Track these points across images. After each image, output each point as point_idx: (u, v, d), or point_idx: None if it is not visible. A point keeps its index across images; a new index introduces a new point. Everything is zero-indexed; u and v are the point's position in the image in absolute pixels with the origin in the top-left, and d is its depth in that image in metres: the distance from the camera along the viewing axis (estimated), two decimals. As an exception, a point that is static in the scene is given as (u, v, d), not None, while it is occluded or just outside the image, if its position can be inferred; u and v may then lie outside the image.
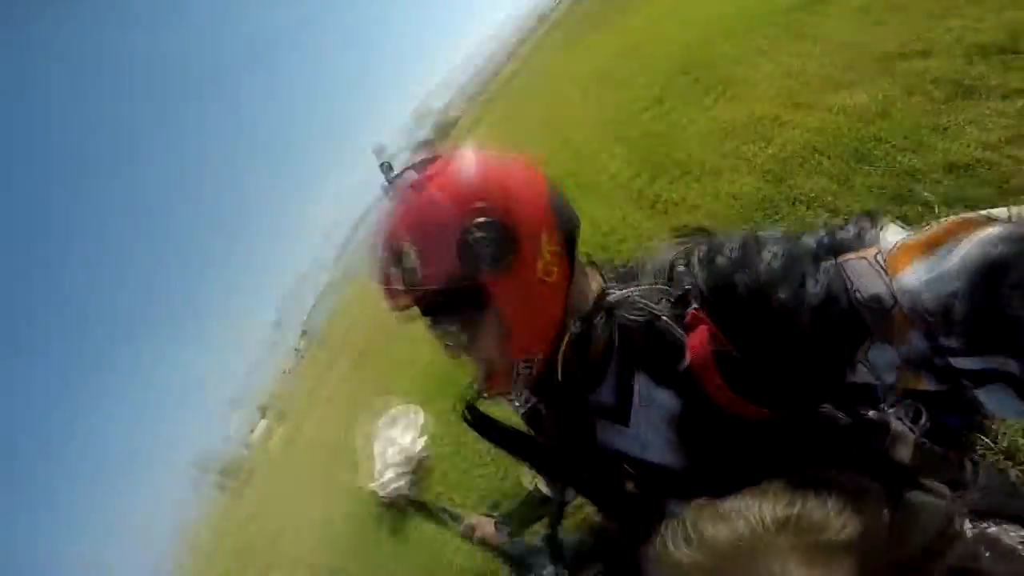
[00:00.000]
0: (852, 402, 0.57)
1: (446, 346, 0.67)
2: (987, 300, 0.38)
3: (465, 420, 0.71)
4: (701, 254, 0.59)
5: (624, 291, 0.63)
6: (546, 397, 0.72)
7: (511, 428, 0.74)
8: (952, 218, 0.42)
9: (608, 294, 0.64)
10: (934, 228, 0.43)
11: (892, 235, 0.47)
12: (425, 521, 2.63)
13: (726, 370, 0.54)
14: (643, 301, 0.61)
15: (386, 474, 3.16)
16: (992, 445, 1.16)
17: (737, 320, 0.54)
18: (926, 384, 0.46)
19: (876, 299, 0.45)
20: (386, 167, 0.64)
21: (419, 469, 3.19)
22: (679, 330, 0.57)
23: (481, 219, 0.56)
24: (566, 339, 0.62)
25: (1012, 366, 0.39)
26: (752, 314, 0.52)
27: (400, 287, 0.60)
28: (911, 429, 0.58)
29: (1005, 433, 1.13)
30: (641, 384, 0.63)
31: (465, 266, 0.56)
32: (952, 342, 0.41)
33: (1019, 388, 0.39)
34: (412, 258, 0.58)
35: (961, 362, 0.41)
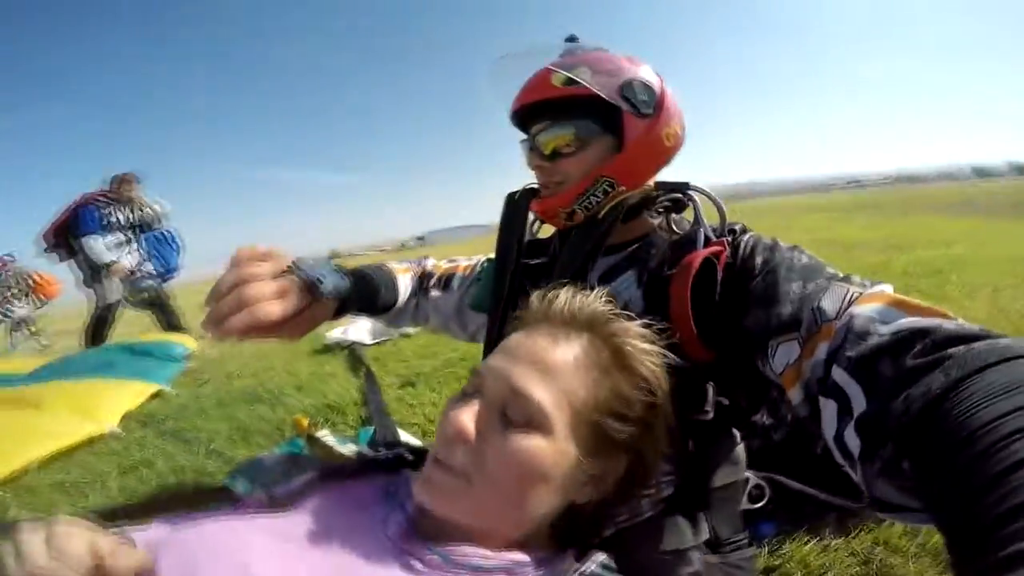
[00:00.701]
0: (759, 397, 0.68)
1: (542, 154, 0.76)
2: (898, 344, 0.41)
3: (512, 201, 0.85)
4: (760, 235, 0.69)
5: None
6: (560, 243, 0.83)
7: (522, 237, 0.85)
8: (943, 309, 0.44)
9: (690, 195, 0.75)
10: (925, 302, 0.45)
11: (883, 286, 0.52)
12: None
13: (699, 285, 0.60)
14: (700, 224, 0.70)
15: (359, 321, 3.36)
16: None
17: (738, 276, 0.63)
18: (792, 391, 0.52)
19: (824, 312, 0.51)
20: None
21: (389, 339, 3.32)
22: (703, 239, 0.67)
23: (643, 79, 0.73)
24: (638, 190, 0.74)
25: (860, 402, 0.41)
26: (751, 275, 0.62)
27: (559, 84, 0.72)
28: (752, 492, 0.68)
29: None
30: (623, 281, 0.73)
31: (620, 94, 0.71)
32: (850, 352, 0.44)
33: (852, 422, 0.41)
34: (585, 72, 0.71)
35: (838, 374, 0.45)
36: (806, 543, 1.00)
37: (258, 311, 0.57)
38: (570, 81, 0.71)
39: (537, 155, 0.77)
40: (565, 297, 0.54)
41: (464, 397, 0.52)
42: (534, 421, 0.47)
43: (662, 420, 0.53)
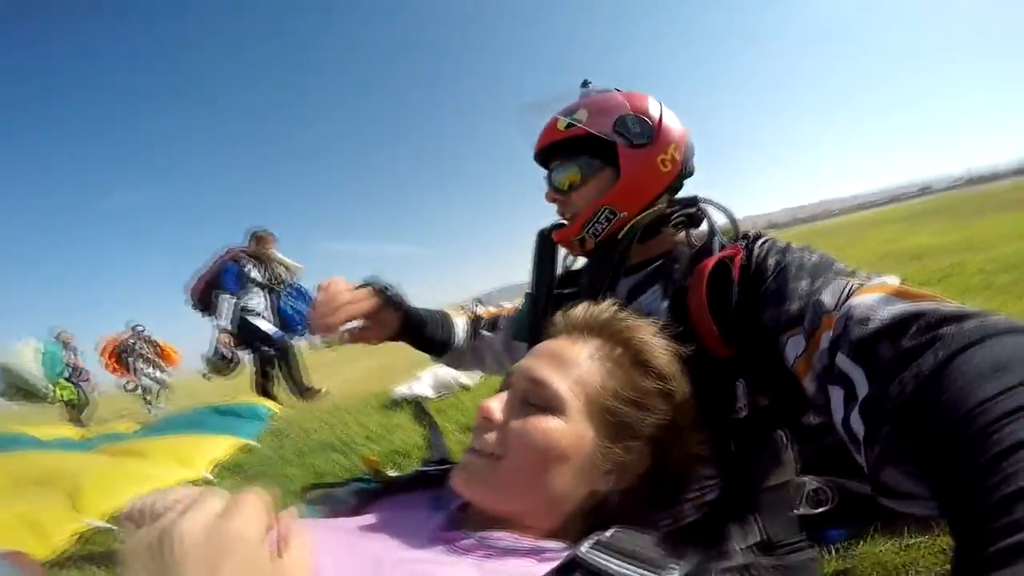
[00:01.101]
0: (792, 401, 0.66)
1: (554, 188, 0.87)
2: (896, 327, 0.42)
3: (541, 236, 0.93)
4: (774, 240, 0.72)
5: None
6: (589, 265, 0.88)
7: (553, 269, 0.93)
8: (938, 294, 0.45)
9: (702, 208, 0.81)
10: (924, 289, 0.46)
11: (887, 277, 0.53)
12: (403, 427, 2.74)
13: (715, 285, 0.65)
14: (714, 232, 0.76)
15: (423, 377, 3.56)
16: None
17: (753, 279, 0.66)
18: (806, 383, 0.53)
19: (822, 305, 0.53)
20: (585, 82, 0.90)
21: (450, 393, 3.41)
22: (718, 247, 0.72)
23: (638, 116, 0.79)
24: (650, 211, 0.80)
25: (863, 386, 0.42)
26: (764, 277, 0.65)
27: (562, 128, 0.82)
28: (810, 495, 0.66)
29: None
30: (649, 295, 0.77)
31: (614, 129, 0.79)
32: (851, 338, 0.45)
33: (857, 406, 0.42)
34: (583, 115, 0.81)
35: (841, 360, 0.46)
36: (882, 543, 0.92)
37: (348, 308, 0.81)
38: (571, 124, 0.81)
39: (553, 190, 0.86)
40: (581, 308, 0.62)
41: (496, 393, 0.58)
42: (550, 404, 0.52)
43: (684, 415, 0.56)
